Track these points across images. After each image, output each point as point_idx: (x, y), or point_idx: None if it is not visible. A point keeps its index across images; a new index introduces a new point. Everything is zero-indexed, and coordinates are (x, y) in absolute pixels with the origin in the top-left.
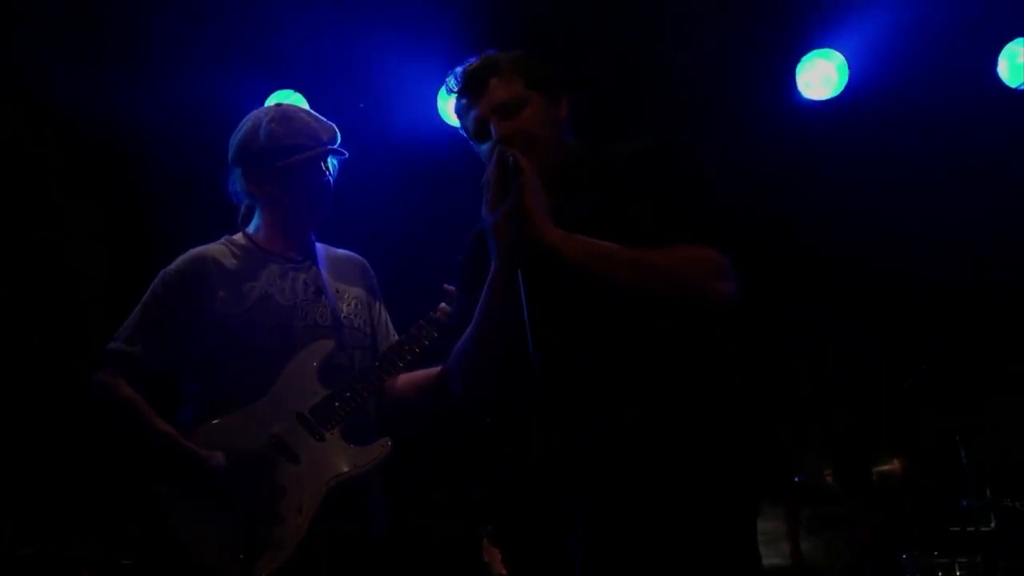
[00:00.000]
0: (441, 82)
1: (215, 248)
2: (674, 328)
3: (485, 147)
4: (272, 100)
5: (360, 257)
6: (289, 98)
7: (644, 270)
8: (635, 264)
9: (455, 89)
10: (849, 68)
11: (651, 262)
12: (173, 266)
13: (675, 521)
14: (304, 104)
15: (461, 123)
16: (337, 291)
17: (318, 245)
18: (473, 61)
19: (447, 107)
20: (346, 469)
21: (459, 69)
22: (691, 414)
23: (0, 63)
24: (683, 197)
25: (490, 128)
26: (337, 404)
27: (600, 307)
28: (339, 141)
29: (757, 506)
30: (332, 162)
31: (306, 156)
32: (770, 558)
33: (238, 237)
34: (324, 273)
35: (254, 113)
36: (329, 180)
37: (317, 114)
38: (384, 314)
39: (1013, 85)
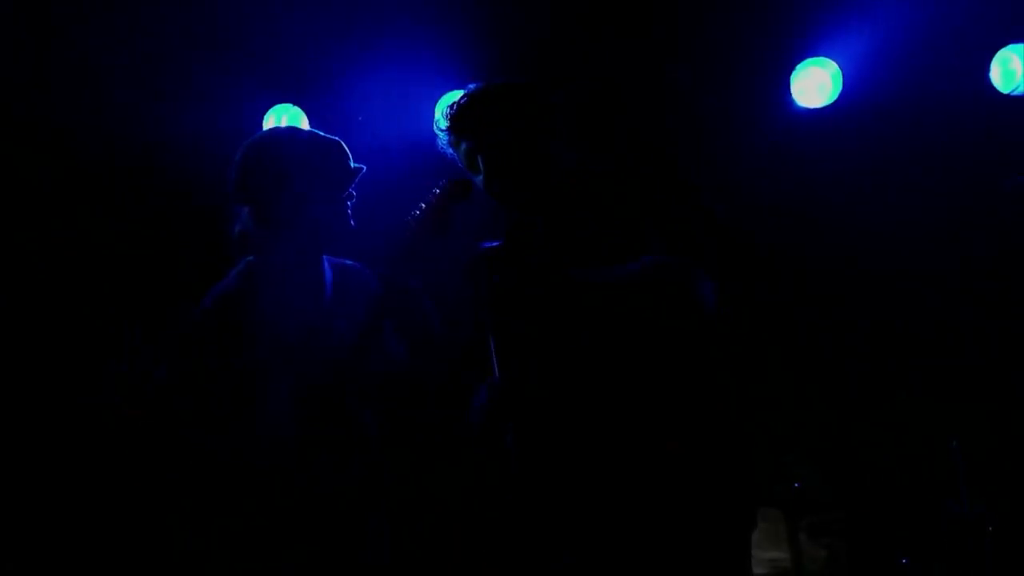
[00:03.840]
0: (440, 94)
1: (229, 285)
2: (658, 345)
3: (479, 179)
4: (271, 114)
5: (365, 269)
6: (288, 112)
7: (609, 290)
8: (600, 287)
9: (443, 127)
10: (843, 76)
11: (613, 281)
12: (196, 314)
13: (668, 539)
14: (303, 116)
15: (455, 156)
16: (342, 306)
17: (325, 259)
18: (457, 98)
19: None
20: (352, 488)
21: (445, 106)
22: (684, 431)
23: None
24: (651, 208)
25: (478, 161)
26: (340, 420)
27: (580, 342)
28: (351, 157)
29: (753, 521)
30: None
31: (327, 194)
32: (771, 565)
33: (248, 267)
34: (330, 288)
35: (258, 145)
36: (349, 215)
37: (323, 134)
38: (387, 326)
39: (1006, 91)
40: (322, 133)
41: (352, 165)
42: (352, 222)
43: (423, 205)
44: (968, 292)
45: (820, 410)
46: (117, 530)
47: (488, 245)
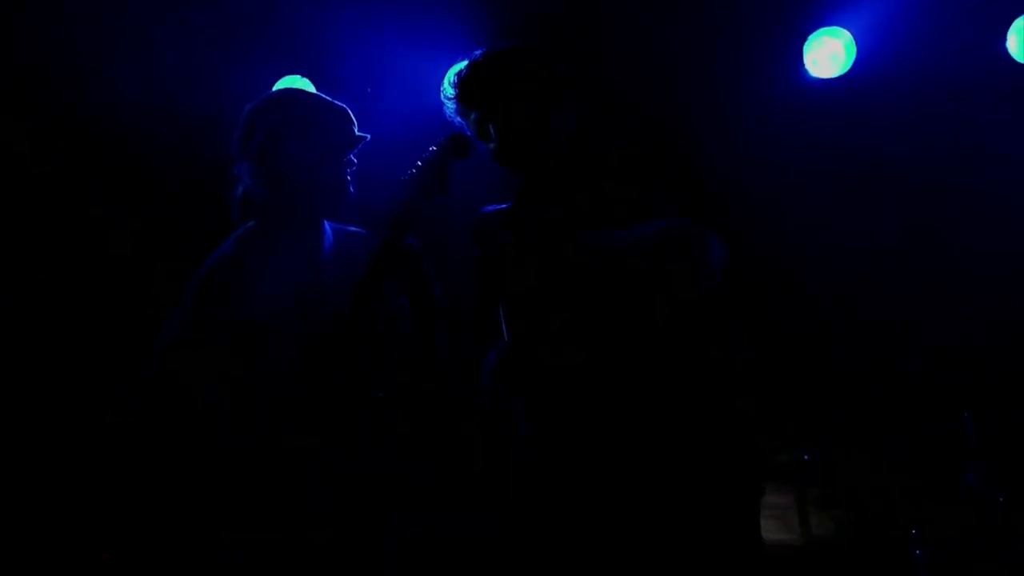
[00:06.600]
0: (450, 65)
1: (229, 249)
2: (666, 309)
3: (490, 147)
4: (280, 86)
5: (370, 234)
6: (296, 83)
7: (619, 253)
8: (608, 252)
9: (451, 95)
10: (857, 46)
11: (623, 244)
12: (197, 277)
13: (676, 507)
14: (311, 88)
15: (464, 124)
16: (342, 270)
17: (327, 225)
18: (465, 66)
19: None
20: (361, 462)
21: (452, 75)
22: (689, 402)
23: None
24: (658, 175)
25: (490, 130)
26: (346, 385)
27: (589, 307)
28: (356, 125)
29: (760, 489)
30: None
31: (328, 156)
32: (780, 535)
33: (247, 232)
34: (329, 252)
35: (263, 104)
36: (349, 181)
37: (329, 98)
38: (388, 285)
39: (1022, 60)
40: (328, 97)
41: (356, 132)
42: (352, 188)
43: (420, 162)
44: (985, 259)
45: (829, 379)
46: (119, 528)
47: (494, 208)
